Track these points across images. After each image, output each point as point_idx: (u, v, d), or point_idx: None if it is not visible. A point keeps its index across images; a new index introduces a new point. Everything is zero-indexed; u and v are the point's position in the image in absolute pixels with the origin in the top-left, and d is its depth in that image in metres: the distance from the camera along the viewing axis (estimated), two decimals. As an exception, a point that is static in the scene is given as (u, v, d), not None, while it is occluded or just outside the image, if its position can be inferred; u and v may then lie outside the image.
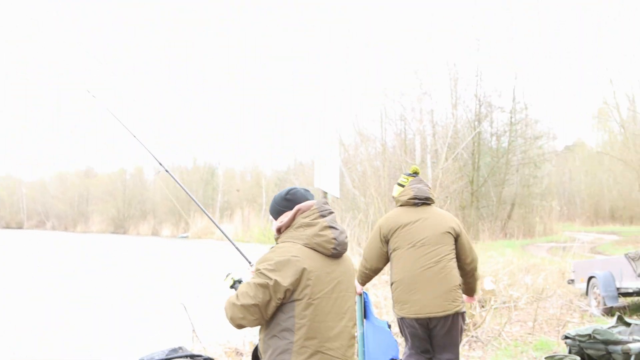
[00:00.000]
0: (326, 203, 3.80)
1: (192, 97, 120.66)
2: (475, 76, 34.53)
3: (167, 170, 5.61)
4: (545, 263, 17.06)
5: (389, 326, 5.82)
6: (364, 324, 5.84)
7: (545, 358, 6.79)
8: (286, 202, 3.75)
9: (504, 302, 11.44)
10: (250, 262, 4.19)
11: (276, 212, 3.78)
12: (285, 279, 3.45)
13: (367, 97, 57.30)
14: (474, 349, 9.05)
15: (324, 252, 3.62)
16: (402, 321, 5.45)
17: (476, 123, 34.12)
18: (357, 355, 5.82)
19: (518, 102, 35.90)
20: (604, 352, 6.87)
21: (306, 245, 3.59)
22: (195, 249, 44.01)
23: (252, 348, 4.03)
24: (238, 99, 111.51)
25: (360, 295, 5.78)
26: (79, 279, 25.45)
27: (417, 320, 5.33)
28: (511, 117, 35.73)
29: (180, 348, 5.61)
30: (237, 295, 3.54)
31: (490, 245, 24.68)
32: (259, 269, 3.52)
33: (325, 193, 5.63)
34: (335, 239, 3.64)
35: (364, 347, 5.80)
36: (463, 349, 9.02)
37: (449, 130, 29.84)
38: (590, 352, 7.01)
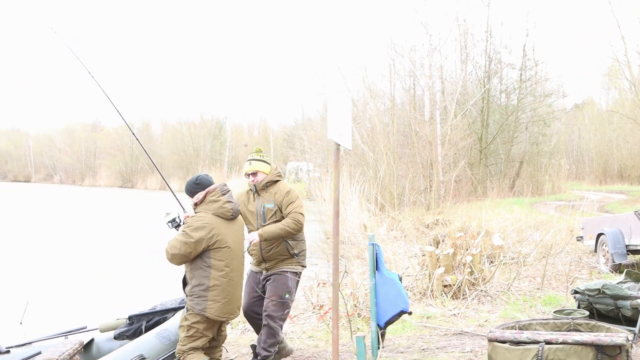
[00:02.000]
0: (225, 185, 5.84)
1: (199, 50, 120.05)
2: (485, 32, 34.16)
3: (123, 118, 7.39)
4: (554, 221, 17.04)
5: (400, 279, 5.82)
6: (375, 275, 5.84)
7: (554, 312, 6.81)
8: (197, 186, 5.70)
9: (512, 258, 11.46)
10: (184, 209, 6.28)
11: (190, 193, 5.73)
12: (202, 237, 5.42)
13: (376, 53, 56.93)
14: (482, 303, 9.10)
15: (225, 217, 5.62)
16: None
17: (486, 80, 33.84)
18: (370, 306, 5.85)
19: (528, 59, 35.52)
20: (613, 307, 6.89)
21: (214, 214, 5.58)
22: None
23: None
24: (245, 52, 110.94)
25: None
26: (92, 232, 25.62)
27: None
28: (521, 75, 35.38)
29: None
30: (170, 246, 5.45)
31: (498, 203, 24.66)
32: (185, 231, 5.47)
33: (338, 145, 5.59)
34: (232, 209, 5.66)
35: (375, 297, 5.82)
36: (472, 303, 9.07)
37: (458, 86, 29.64)
38: (599, 306, 7.03)
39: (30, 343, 6.36)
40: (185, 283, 5.65)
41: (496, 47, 34.62)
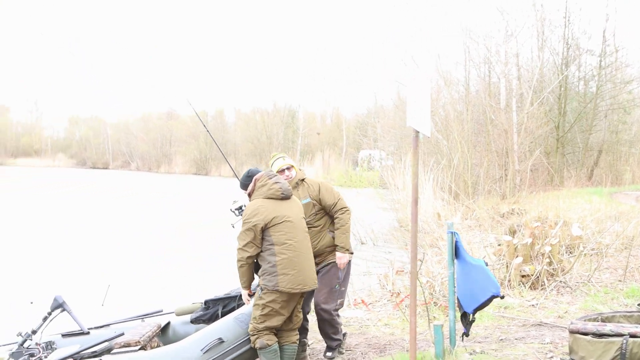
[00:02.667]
0: (272, 171, 6.21)
1: (273, 38, 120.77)
2: (563, 17, 33.30)
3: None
4: (635, 211, 16.55)
5: (486, 264, 5.75)
6: (455, 263, 5.78)
7: (639, 304, 6.62)
8: (248, 179, 6.06)
9: (593, 249, 11.19)
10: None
11: (244, 186, 6.11)
12: (258, 220, 5.72)
13: (450, 40, 56.19)
14: (562, 294, 8.92)
15: (276, 197, 5.88)
16: None
17: (563, 67, 33.02)
18: (449, 295, 5.80)
19: (608, 45, 34.45)
20: (702, 301, 6.67)
21: (265, 197, 5.87)
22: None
23: None
24: (319, 40, 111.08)
25: None
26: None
27: None
28: (600, 61, 34.36)
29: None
30: (238, 240, 5.79)
31: (576, 193, 24.10)
32: (244, 220, 5.83)
33: (417, 132, 5.54)
34: (280, 188, 5.91)
35: (454, 286, 5.76)
36: (551, 294, 8.90)
37: (534, 73, 29.02)
38: (686, 300, 6.82)
39: (109, 325, 6.55)
40: (256, 268, 5.92)
41: (574, 33, 33.69)
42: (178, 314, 6.70)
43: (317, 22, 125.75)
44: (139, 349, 5.66)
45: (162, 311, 6.78)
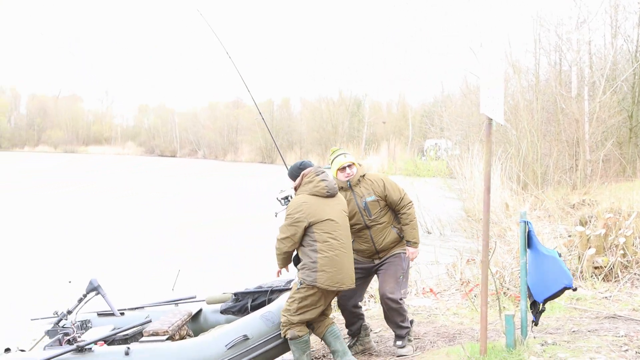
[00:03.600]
0: (320, 167, 6.16)
1: (339, 28, 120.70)
2: (638, 3, 32.32)
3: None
4: None
5: (560, 255, 5.65)
6: (527, 253, 5.70)
7: None
8: (299, 170, 6.11)
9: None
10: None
11: (293, 177, 6.15)
12: (301, 216, 5.82)
13: (520, 27, 55.24)
14: (636, 287, 8.72)
15: (321, 195, 5.94)
16: None
17: (638, 54, 32.09)
18: (520, 285, 5.72)
19: (685, 31, 33.34)
20: None
21: (310, 194, 5.94)
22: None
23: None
24: (385, 29, 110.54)
25: None
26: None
27: None
28: (677, 48, 33.31)
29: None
30: (279, 232, 5.91)
31: (649, 184, 23.45)
32: (287, 214, 5.94)
33: (490, 120, 5.49)
34: (326, 186, 5.96)
35: (528, 275, 5.68)
36: (625, 286, 8.71)
37: (607, 61, 28.28)
38: None
39: (143, 307, 6.80)
40: (296, 261, 6.06)
41: (649, 18, 32.69)
42: (209, 303, 6.82)
43: (388, 11, 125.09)
44: (166, 339, 5.80)
45: (195, 297, 6.93)
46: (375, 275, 6.68)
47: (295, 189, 6.13)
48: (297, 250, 6.01)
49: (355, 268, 6.13)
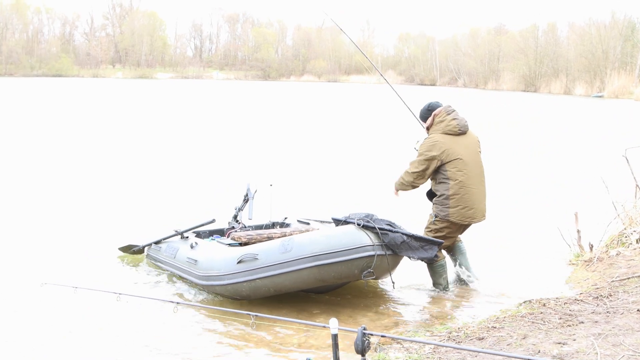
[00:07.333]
0: (450, 106, 6.50)
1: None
2: None
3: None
4: None
5: None
6: None
7: None
8: (428, 112, 6.54)
9: None
10: None
11: (424, 119, 6.60)
12: (433, 154, 6.28)
13: None
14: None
15: (453, 133, 6.36)
16: None
17: None
18: None
19: None
20: None
21: (442, 133, 6.36)
22: (610, 109, 41.38)
23: None
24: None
25: None
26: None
27: None
28: None
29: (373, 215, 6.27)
30: (410, 166, 6.45)
31: None
32: (420, 152, 6.40)
33: None
34: (457, 124, 6.36)
35: None
36: None
37: None
38: None
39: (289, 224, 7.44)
40: (430, 196, 6.60)
41: None
42: None
43: None
44: (239, 245, 6.54)
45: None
46: None
47: (427, 129, 6.58)
48: (431, 185, 6.55)
49: None
